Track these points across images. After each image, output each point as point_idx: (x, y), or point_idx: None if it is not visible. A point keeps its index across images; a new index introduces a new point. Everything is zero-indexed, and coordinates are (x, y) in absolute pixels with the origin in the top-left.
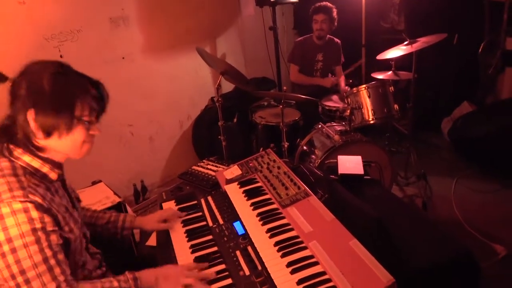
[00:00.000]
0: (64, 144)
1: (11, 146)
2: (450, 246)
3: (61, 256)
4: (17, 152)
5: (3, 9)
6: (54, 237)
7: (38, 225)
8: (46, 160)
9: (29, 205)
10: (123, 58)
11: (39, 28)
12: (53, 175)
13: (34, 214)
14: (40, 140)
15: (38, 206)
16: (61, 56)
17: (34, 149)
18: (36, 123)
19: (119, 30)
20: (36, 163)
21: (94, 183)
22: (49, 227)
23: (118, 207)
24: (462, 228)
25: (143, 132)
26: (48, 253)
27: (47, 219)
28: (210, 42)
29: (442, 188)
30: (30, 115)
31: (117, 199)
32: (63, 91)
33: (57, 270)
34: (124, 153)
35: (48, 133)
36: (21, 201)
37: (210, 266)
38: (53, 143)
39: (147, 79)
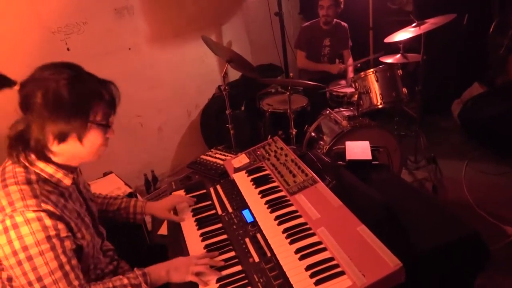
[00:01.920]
0: (81, 149)
1: (25, 153)
2: (458, 228)
3: (74, 262)
4: (31, 158)
5: (9, 4)
6: (68, 243)
7: (52, 233)
8: (60, 166)
9: (42, 214)
10: (129, 49)
11: (45, 22)
12: (67, 181)
13: (48, 222)
14: (59, 146)
15: (51, 214)
16: (68, 49)
17: (48, 155)
18: (55, 130)
19: (124, 21)
20: (50, 169)
21: (105, 174)
22: (63, 234)
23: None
24: (473, 210)
25: (151, 123)
26: (63, 259)
27: (60, 225)
28: (216, 30)
29: (452, 171)
30: (47, 123)
31: (128, 190)
32: (82, 97)
33: (72, 276)
34: (134, 144)
35: (61, 139)
36: (34, 210)
37: (220, 254)
38: (67, 148)
39: (153, 69)
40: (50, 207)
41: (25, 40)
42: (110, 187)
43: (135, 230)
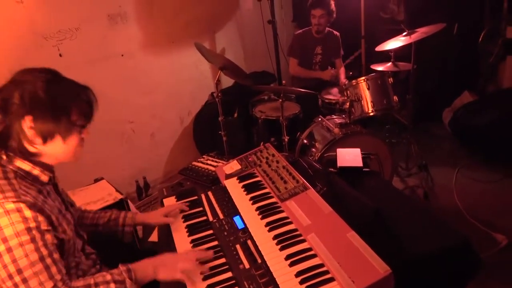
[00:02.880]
0: (58, 149)
1: (3, 152)
2: (448, 235)
3: (56, 256)
4: (8, 157)
5: (1, 9)
6: (49, 236)
7: (32, 224)
8: (36, 163)
9: (22, 205)
10: (122, 55)
11: (37, 27)
12: (44, 178)
13: (28, 213)
14: (38, 146)
15: (31, 206)
16: (60, 55)
17: (26, 154)
18: (34, 130)
19: (117, 27)
20: (26, 166)
21: (96, 180)
22: (43, 226)
23: (120, 204)
24: (464, 217)
25: (144, 129)
26: (44, 252)
27: (40, 218)
28: (209, 37)
29: (444, 178)
30: (26, 122)
31: (119, 196)
32: (59, 97)
33: (53, 269)
34: (125, 150)
35: (46, 139)
36: (13, 201)
37: (210, 261)
38: (48, 149)
39: (147, 75)
40: (29, 199)
41: (17, 45)
42: (100, 193)
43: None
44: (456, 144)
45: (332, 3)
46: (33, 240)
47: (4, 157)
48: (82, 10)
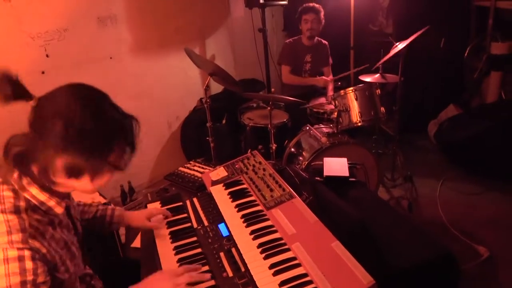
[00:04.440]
0: (82, 186)
1: (20, 175)
2: (432, 248)
3: None
4: (25, 181)
5: None
6: None
7: (29, 278)
8: (53, 193)
9: (26, 253)
10: (110, 58)
11: (25, 26)
12: (58, 210)
13: (29, 264)
14: (59, 178)
15: (35, 254)
16: (47, 56)
17: (45, 183)
18: (62, 163)
19: (107, 30)
20: (42, 196)
21: None
22: (41, 279)
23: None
24: (447, 229)
25: None
26: None
27: (40, 269)
28: (200, 43)
29: (428, 189)
30: (61, 156)
31: (103, 200)
32: (105, 136)
33: None
34: None
35: (73, 175)
36: (18, 248)
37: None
38: (71, 183)
39: (135, 79)
40: (36, 244)
41: (3, 43)
42: (84, 197)
43: (109, 242)
44: (441, 156)
45: (322, 12)
46: None
47: (17, 181)
48: (72, 12)
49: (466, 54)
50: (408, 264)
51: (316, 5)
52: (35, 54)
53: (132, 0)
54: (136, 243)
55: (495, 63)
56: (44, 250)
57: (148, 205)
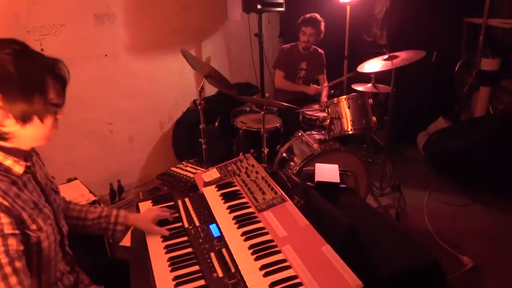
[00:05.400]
0: (35, 131)
1: None
2: (420, 255)
3: (19, 264)
4: None
5: None
6: (12, 241)
7: None
8: (9, 152)
9: None
10: (106, 55)
11: (21, 20)
12: (18, 168)
13: None
14: (8, 127)
15: None
16: (42, 50)
17: None
18: (3, 110)
19: (103, 27)
20: None
21: (69, 180)
22: (7, 230)
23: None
24: (432, 239)
25: (123, 131)
26: (3, 259)
27: (5, 219)
28: (196, 45)
29: (415, 199)
30: (2, 104)
31: (92, 198)
32: (32, 72)
33: (13, 280)
34: (102, 151)
35: (23, 121)
36: None
37: (183, 268)
38: (24, 132)
39: (130, 78)
40: None
41: None
42: (73, 193)
43: (96, 240)
44: (429, 167)
45: (322, 24)
46: None
47: None
48: (69, 7)
49: (456, 69)
50: (396, 270)
51: (318, 18)
52: None
53: None
54: (126, 241)
55: (484, 79)
56: (6, 203)
57: (140, 204)
